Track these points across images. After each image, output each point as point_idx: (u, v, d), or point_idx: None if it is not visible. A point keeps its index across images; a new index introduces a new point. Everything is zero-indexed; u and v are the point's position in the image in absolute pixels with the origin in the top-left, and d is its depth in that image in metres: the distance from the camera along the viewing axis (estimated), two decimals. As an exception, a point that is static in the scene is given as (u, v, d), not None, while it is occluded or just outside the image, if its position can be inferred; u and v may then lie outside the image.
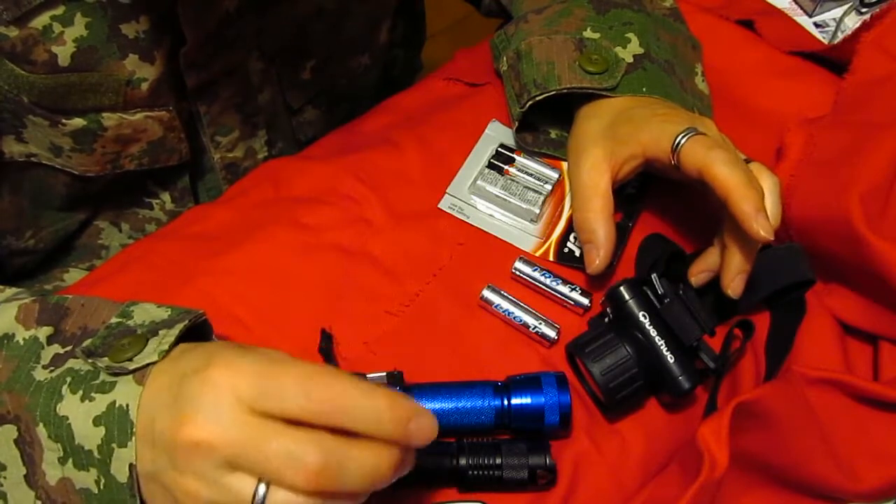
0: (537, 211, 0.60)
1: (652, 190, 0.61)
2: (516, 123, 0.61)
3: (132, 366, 0.40)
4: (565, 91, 0.58)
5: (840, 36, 0.75)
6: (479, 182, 0.61)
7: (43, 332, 0.43)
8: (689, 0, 0.70)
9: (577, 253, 0.59)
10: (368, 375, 0.51)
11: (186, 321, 0.43)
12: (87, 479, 0.40)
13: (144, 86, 0.58)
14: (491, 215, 0.61)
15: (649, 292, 0.52)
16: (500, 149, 0.63)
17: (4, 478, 0.42)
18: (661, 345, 0.51)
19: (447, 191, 0.62)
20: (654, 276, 0.52)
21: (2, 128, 0.57)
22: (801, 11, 0.78)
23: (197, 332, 0.45)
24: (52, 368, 0.41)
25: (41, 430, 0.40)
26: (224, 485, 0.37)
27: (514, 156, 0.62)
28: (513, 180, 0.61)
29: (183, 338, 0.42)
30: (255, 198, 0.63)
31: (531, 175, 0.61)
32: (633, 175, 0.56)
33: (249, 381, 0.37)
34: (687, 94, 0.59)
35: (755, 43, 0.70)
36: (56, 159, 0.60)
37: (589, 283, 0.58)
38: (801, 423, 0.48)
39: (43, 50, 0.53)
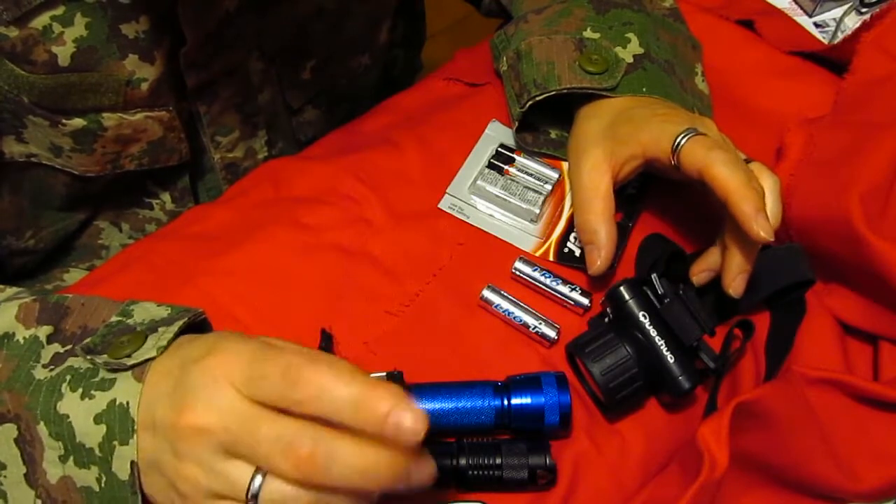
0: (537, 211, 0.60)
1: (652, 190, 0.61)
2: (516, 123, 0.61)
3: (131, 361, 0.40)
4: (565, 91, 0.58)
5: (840, 36, 0.75)
6: (479, 182, 0.61)
7: (43, 332, 0.43)
8: (689, 0, 0.70)
9: (578, 253, 0.59)
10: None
11: (186, 318, 0.43)
12: (88, 477, 0.40)
13: (144, 86, 0.58)
14: (491, 215, 0.61)
15: (649, 292, 0.52)
16: (500, 149, 0.63)
17: (5, 477, 0.42)
18: (661, 345, 0.51)
19: (447, 191, 0.62)
20: (654, 276, 0.52)
21: (2, 128, 0.57)
22: (801, 11, 0.78)
23: (196, 330, 0.45)
24: (51, 367, 0.41)
25: (42, 429, 0.40)
26: (221, 472, 0.37)
27: (514, 156, 0.62)
28: (513, 180, 0.61)
29: (181, 336, 0.42)
30: (255, 198, 0.63)
31: (531, 175, 0.61)
32: (634, 175, 0.56)
33: (242, 367, 0.37)
34: (687, 94, 0.59)
35: (755, 43, 0.70)
36: (56, 159, 0.60)
37: (589, 283, 0.58)
38: (801, 423, 0.48)
39: (43, 50, 0.53)
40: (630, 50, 0.59)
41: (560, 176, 0.61)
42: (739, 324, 0.53)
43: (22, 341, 0.42)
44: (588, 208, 0.54)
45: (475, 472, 0.48)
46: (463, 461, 0.48)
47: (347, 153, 0.64)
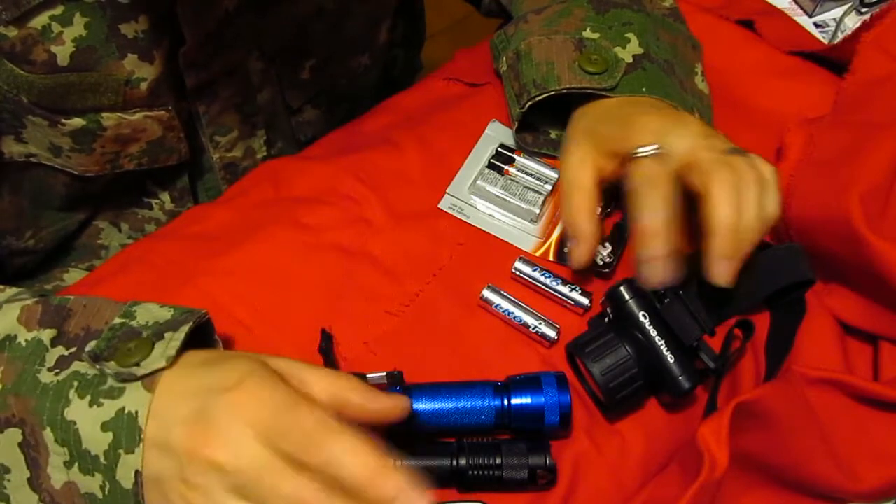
0: (537, 211, 0.60)
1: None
2: (516, 124, 0.61)
3: (140, 371, 0.40)
4: (564, 91, 0.58)
5: (840, 36, 0.75)
6: (479, 182, 0.61)
7: (46, 335, 0.43)
8: (689, 0, 0.70)
9: (577, 253, 0.59)
10: (368, 375, 0.51)
11: (191, 322, 0.43)
12: (92, 484, 0.40)
13: (144, 85, 0.58)
14: (491, 215, 0.61)
15: (649, 292, 0.52)
16: (500, 149, 0.63)
17: (8, 480, 0.42)
18: (661, 345, 0.51)
19: (447, 191, 0.62)
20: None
21: (1, 128, 0.57)
22: (801, 11, 0.78)
23: (200, 331, 0.45)
24: (57, 371, 0.41)
25: (48, 434, 0.40)
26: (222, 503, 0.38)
27: (514, 156, 0.62)
28: (513, 180, 0.61)
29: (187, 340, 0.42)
30: (254, 198, 0.63)
31: (531, 175, 0.61)
32: (621, 173, 0.56)
33: (268, 415, 0.38)
34: (687, 94, 0.59)
35: (755, 43, 0.70)
36: (55, 159, 0.60)
37: (589, 283, 0.58)
38: (801, 423, 0.48)
39: (42, 50, 0.52)
40: (630, 50, 0.59)
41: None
42: (739, 324, 0.53)
43: (24, 343, 0.42)
44: (570, 202, 0.54)
45: (475, 472, 0.48)
46: (463, 461, 0.48)
47: (347, 153, 0.64)
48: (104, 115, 0.58)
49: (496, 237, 0.60)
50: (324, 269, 0.58)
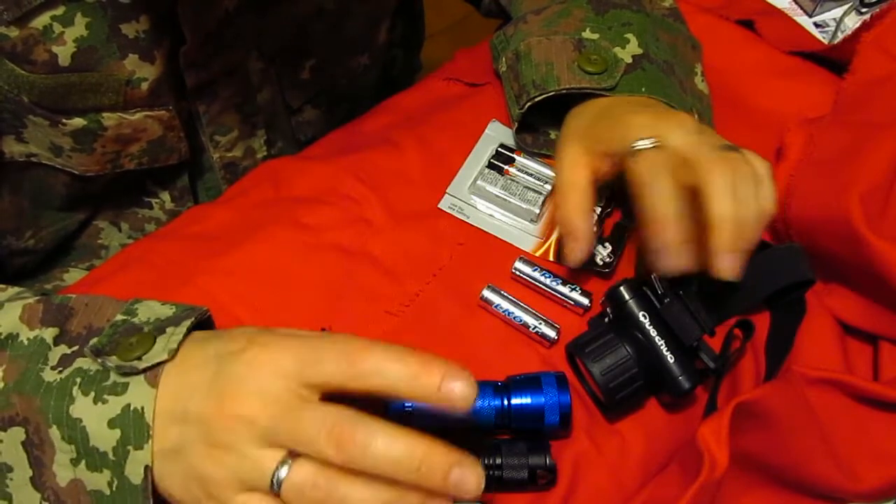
0: (537, 211, 0.60)
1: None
2: (516, 124, 0.61)
3: (142, 365, 0.40)
4: (564, 91, 0.58)
5: (840, 36, 0.75)
6: (479, 182, 0.61)
7: (49, 333, 0.43)
8: (689, 0, 0.70)
9: (577, 253, 0.59)
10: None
11: (193, 318, 0.43)
12: (99, 481, 0.40)
13: (144, 85, 0.58)
14: (491, 215, 0.61)
15: (649, 292, 0.52)
16: (500, 149, 0.63)
17: (11, 479, 0.42)
18: (661, 345, 0.51)
19: (447, 191, 0.62)
20: (654, 276, 0.52)
21: (2, 128, 0.57)
22: (801, 11, 0.78)
23: (200, 328, 0.45)
24: (60, 369, 0.41)
25: (54, 432, 0.40)
26: (251, 457, 0.38)
27: (514, 156, 0.62)
28: (513, 180, 0.61)
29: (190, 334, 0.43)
30: (254, 198, 0.63)
31: (531, 175, 0.61)
32: (616, 171, 0.56)
33: (292, 355, 0.39)
34: (686, 95, 0.59)
35: (755, 43, 0.70)
36: (56, 159, 0.60)
37: (589, 283, 0.58)
38: (801, 423, 0.48)
39: (43, 50, 0.53)
40: (629, 50, 0.59)
41: (559, 176, 0.61)
42: (739, 324, 0.53)
43: (26, 342, 0.42)
44: (565, 201, 0.54)
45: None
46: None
47: (347, 153, 0.64)
48: (105, 114, 0.58)
49: (496, 237, 0.60)
50: (324, 269, 0.58)
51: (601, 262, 0.57)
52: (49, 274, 0.72)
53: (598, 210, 0.59)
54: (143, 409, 0.39)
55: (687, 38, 0.64)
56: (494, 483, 0.48)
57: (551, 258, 0.59)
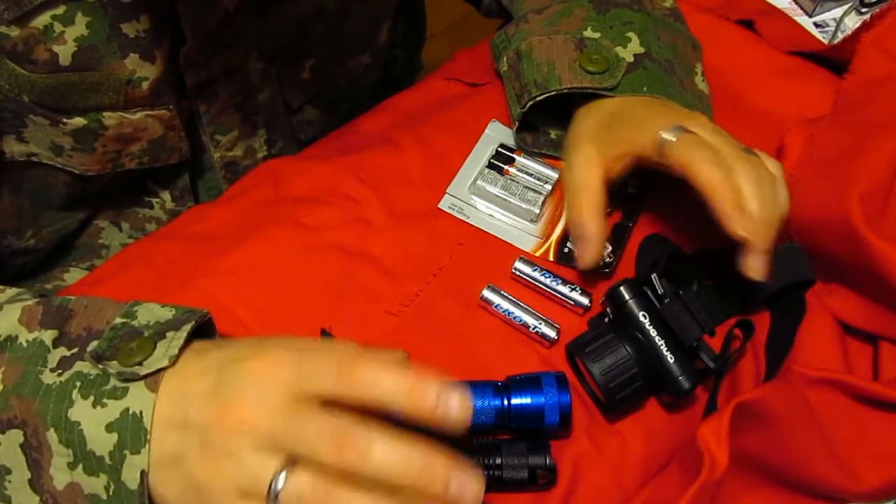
0: (537, 211, 0.60)
1: (652, 190, 0.61)
2: (516, 124, 0.61)
3: (143, 371, 0.40)
4: (566, 91, 0.58)
5: (840, 36, 0.75)
6: (479, 182, 0.61)
7: (48, 336, 0.43)
8: (689, 0, 0.70)
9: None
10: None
11: (193, 322, 0.43)
12: (96, 485, 0.40)
13: (145, 85, 0.58)
14: (491, 215, 0.61)
15: (649, 292, 0.52)
16: (500, 149, 0.63)
17: (9, 481, 0.42)
18: (661, 345, 0.51)
19: (447, 191, 0.62)
20: (654, 276, 0.52)
21: (2, 127, 0.57)
22: (801, 11, 0.78)
23: (201, 330, 0.45)
24: (59, 371, 0.41)
25: (52, 435, 0.40)
26: (250, 464, 0.38)
27: (514, 156, 0.62)
28: (513, 180, 0.61)
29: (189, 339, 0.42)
30: (255, 197, 0.63)
31: (531, 175, 0.61)
32: (626, 173, 0.56)
33: (290, 365, 0.39)
34: (687, 94, 0.60)
35: (755, 43, 0.70)
36: (57, 158, 0.60)
37: (589, 283, 0.58)
38: (801, 423, 0.48)
39: (44, 49, 0.53)
40: (630, 49, 0.59)
41: (560, 176, 0.61)
42: (739, 324, 0.53)
43: (25, 344, 0.42)
44: (577, 203, 0.55)
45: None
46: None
47: (347, 153, 0.64)
48: (105, 114, 0.58)
49: (496, 237, 0.60)
50: (324, 269, 0.58)
51: (601, 262, 0.57)
52: (49, 274, 0.72)
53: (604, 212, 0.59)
54: (141, 413, 0.39)
55: (687, 38, 0.64)
56: (494, 483, 0.48)
57: (551, 258, 0.59)
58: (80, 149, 0.59)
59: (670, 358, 0.50)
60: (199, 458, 0.39)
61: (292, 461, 0.38)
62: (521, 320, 0.55)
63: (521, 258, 0.58)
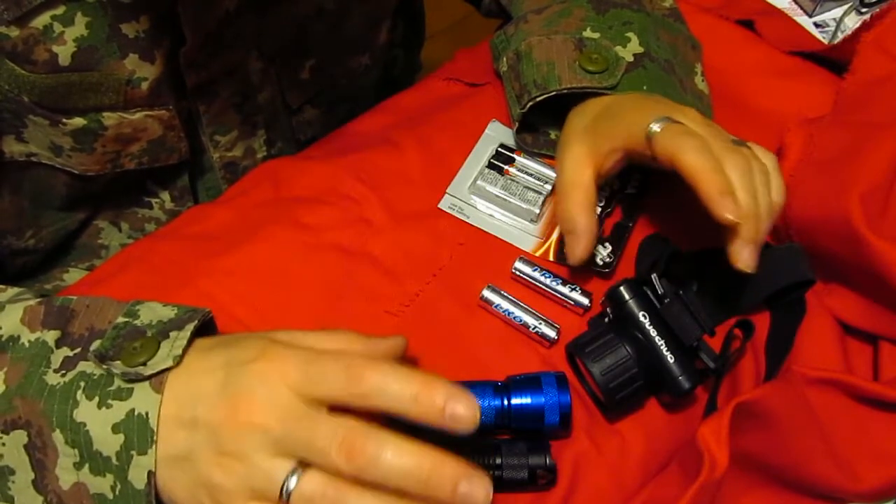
0: (537, 211, 0.60)
1: (652, 190, 0.61)
2: (516, 124, 0.61)
3: (147, 371, 0.40)
4: (565, 91, 0.58)
5: (840, 36, 0.75)
6: (479, 182, 0.61)
7: (50, 336, 0.43)
8: (689, 0, 0.70)
9: (577, 253, 0.59)
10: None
11: (196, 321, 0.43)
12: (102, 485, 0.40)
13: (144, 85, 0.58)
14: (491, 215, 0.61)
15: (649, 292, 0.52)
16: (500, 149, 0.63)
17: (13, 482, 0.42)
18: (661, 345, 0.51)
19: (447, 191, 0.62)
20: (654, 276, 0.52)
21: (2, 127, 0.57)
22: (801, 11, 0.78)
23: (203, 330, 0.45)
24: (63, 372, 0.41)
25: (57, 436, 0.40)
26: (261, 466, 0.38)
27: (514, 156, 0.62)
28: (513, 180, 0.61)
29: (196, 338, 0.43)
30: (255, 198, 0.63)
31: (531, 175, 0.61)
32: (618, 169, 0.56)
33: (297, 369, 0.39)
34: (687, 94, 0.60)
35: (755, 43, 0.70)
36: (56, 159, 0.60)
37: (589, 283, 0.58)
38: (801, 423, 0.48)
39: (43, 49, 0.53)
40: (630, 49, 0.59)
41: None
42: (739, 324, 0.53)
43: (28, 344, 0.42)
44: (568, 198, 0.54)
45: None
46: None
47: (347, 153, 0.64)
48: (105, 114, 0.58)
49: (496, 237, 0.60)
50: (324, 269, 0.58)
51: (601, 262, 0.57)
52: (49, 274, 0.72)
53: (599, 210, 0.59)
54: (147, 414, 0.39)
55: (687, 37, 0.64)
56: (494, 483, 0.48)
57: (551, 258, 0.59)
58: (79, 149, 0.59)
59: (670, 358, 0.50)
60: (209, 459, 0.39)
61: (303, 463, 0.38)
62: (521, 320, 0.55)
63: (521, 258, 0.58)
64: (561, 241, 0.60)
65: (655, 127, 0.51)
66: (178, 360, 0.41)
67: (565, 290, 0.56)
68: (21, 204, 0.64)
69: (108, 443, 0.40)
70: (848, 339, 0.56)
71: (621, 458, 0.51)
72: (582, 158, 0.54)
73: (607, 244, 0.58)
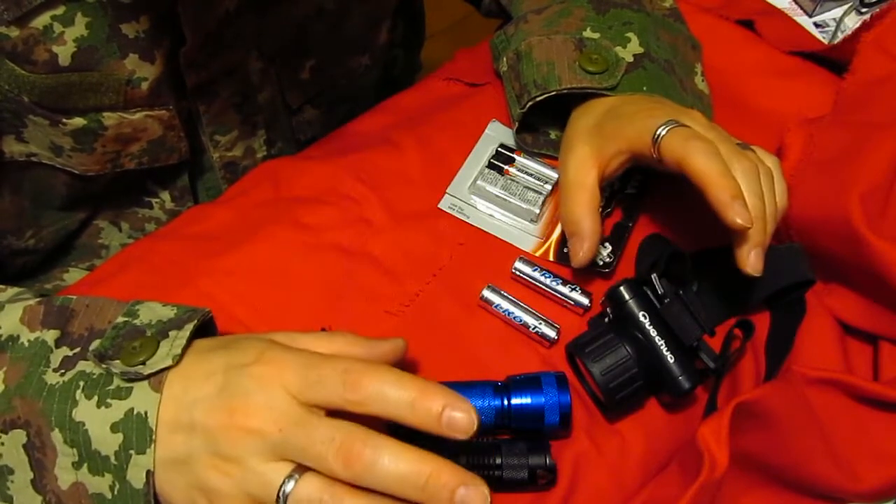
0: (537, 211, 0.60)
1: (652, 190, 0.61)
2: (516, 124, 0.61)
3: (147, 370, 0.40)
4: (565, 91, 0.58)
5: (840, 36, 0.75)
6: (479, 182, 0.61)
7: (50, 336, 0.43)
8: (689, 0, 0.70)
9: (578, 253, 0.59)
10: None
11: (196, 321, 0.43)
12: (101, 485, 0.40)
13: (144, 85, 0.58)
14: (491, 215, 0.61)
15: (649, 292, 0.52)
16: (500, 149, 0.63)
17: (11, 482, 0.42)
18: (661, 345, 0.51)
19: (447, 191, 0.62)
20: (654, 276, 0.52)
21: (2, 127, 0.57)
22: (801, 11, 0.78)
23: (202, 329, 0.45)
24: (62, 371, 0.41)
25: (56, 436, 0.40)
26: (258, 470, 0.38)
27: (514, 156, 0.62)
28: (513, 180, 0.61)
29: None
30: (255, 198, 0.63)
31: (531, 175, 0.61)
32: (622, 171, 0.56)
33: (295, 373, 0.39)
34: (687, 94, 0.60)
35: (755, 43, 0.70)
36: (56, 159, 0.60)
37: (589, 283, 0.58)
38: (801, 423, 0.48)
39: (44, 50, 0.53)
40: (630, 49, 0.59)
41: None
42: (739, 324, 0.53)
43: (27, 344, 0.42)
44: (572, 200, 0.55)
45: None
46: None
47: (347, 153, 0.64)
48: (105, 114, 0.58)
49: (496, 237, 0.60)
50: (324, 269, 0.58)
51: (601, 262, 0.57)
52: (49, 274, 0.72)
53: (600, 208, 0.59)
54: (146, 413, 0.39)
55: (687, 38, 0.64)
56: (494, 483, 0.48)
57: (551, 258, 0.59)
58: (79, 149, 0.59)
59: (670, 358, 0.50)
60: (207, 462, 0.39)
61: (300, 468, 0.38)
62: (521, 320, 0.55)
63: (521, 258, 0.58)
64: (561, 242, 0.60)
65: (662, 130, 0.51)
66: (178, 360, 0.41)
67: (565, 290, 0.56)
68: (21, 204, 0.64)
69: (106, 442, 0.40)
70: (848, 339, 0.56)
71: (621, 458, 0.51)
72: (586, 160, 0.54)
73: (607, 244, 0.58)
